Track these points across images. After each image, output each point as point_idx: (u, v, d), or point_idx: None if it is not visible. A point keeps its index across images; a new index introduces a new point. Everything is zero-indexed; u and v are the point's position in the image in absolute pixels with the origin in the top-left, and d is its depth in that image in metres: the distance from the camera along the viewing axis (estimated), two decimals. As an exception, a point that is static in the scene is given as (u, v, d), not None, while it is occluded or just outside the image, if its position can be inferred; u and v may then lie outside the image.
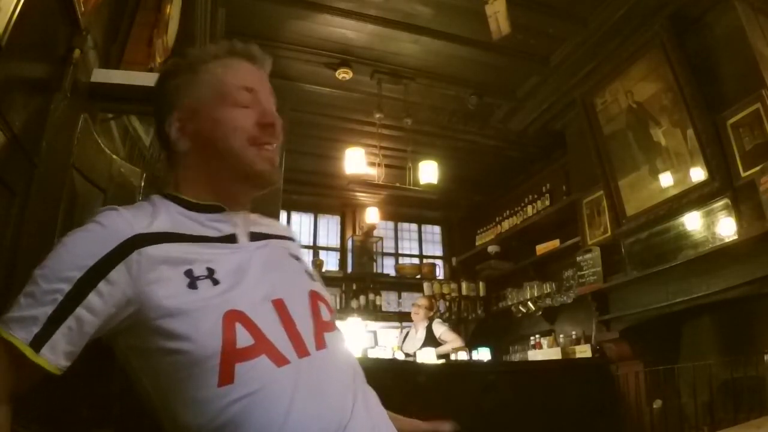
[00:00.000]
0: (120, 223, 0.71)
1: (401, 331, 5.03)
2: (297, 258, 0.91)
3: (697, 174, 3.03)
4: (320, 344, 0.75)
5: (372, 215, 5.71)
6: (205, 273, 0.72)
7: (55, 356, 0.65)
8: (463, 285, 5.72)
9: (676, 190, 3.17)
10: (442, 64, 3.92)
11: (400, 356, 4.06)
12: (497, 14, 2.84)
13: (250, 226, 0.85)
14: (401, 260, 6.29)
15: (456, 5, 3.29)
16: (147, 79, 2.04)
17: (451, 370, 3.42)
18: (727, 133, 2.91)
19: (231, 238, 0.80)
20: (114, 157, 1.80)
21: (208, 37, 3.33)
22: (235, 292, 0.72)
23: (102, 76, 1.80)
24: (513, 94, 4.31)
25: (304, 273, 0.88)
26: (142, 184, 2.08)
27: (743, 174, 2.80)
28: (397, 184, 4.50)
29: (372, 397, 0.80)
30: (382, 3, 3.34)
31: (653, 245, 3.32)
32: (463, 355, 4.15)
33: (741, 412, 2.65)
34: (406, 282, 5.91)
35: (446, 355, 4.14)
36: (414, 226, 6.62)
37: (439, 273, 6.22)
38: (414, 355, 3.97)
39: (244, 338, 0.68)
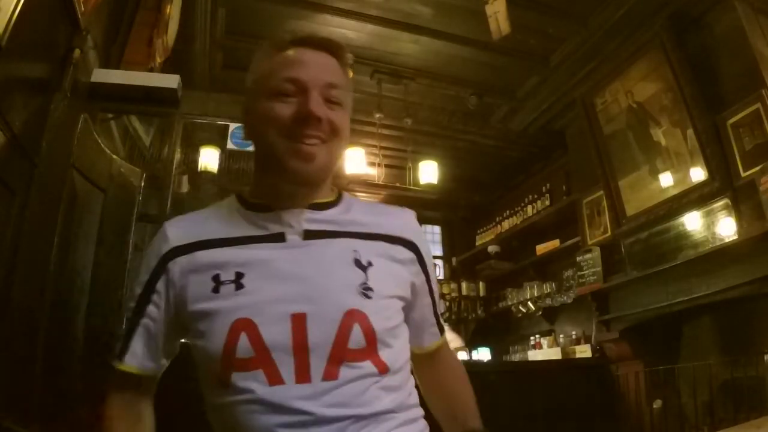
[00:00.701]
0: (160, 240, 0.80)
1: None
2: (362, 265, 0.77)
3: (697, 174, 3.03)
4: (330, 375, 0.68)
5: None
6: (232, 277, 0.73)
7: (137, 360, 0.77)
8: (463, 285, 5.71)
9: (676, 190, 3.17)
10: (442, 64, 3.92)
11: None
12: (497, 14, 2.84)
13: (310, 223, 0.78)
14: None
15: (456, 5, 3.29)
16: (147, 79, 2.05)
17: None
18: (727, 133, 2.91)
19: (279, 237, 0.77)
20: (114, 157, 1.81)
21: (208, 37, 3.33)
22: (254, 299, 0.71)
23: (102, 76, 1.80)
24: (513, 94, 4.31)
25: (356, 287, 0.74)
26: (142, 184, 2.09)
27: (743, 174, 2.80)
28: (397, 184, 4.50)
29: None
30: (382, 3, 3.34)
31: (653, 245, 3.32)
32: (463, 355, 4.15)
33: (741, 412, 2.65)
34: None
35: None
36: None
37: (439, 273, 6.22)
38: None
39: (244, 349, 0.69)
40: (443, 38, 3.61)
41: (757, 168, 2.69)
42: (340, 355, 0.69)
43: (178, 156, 2.34)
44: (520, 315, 5.11)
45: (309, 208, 0.79)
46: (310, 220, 0.79)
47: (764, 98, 2.70)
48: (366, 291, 0.75)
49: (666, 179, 3.26)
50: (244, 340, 0.69)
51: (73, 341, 1.55)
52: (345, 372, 0.69)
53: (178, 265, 0.76)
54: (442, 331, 0.93)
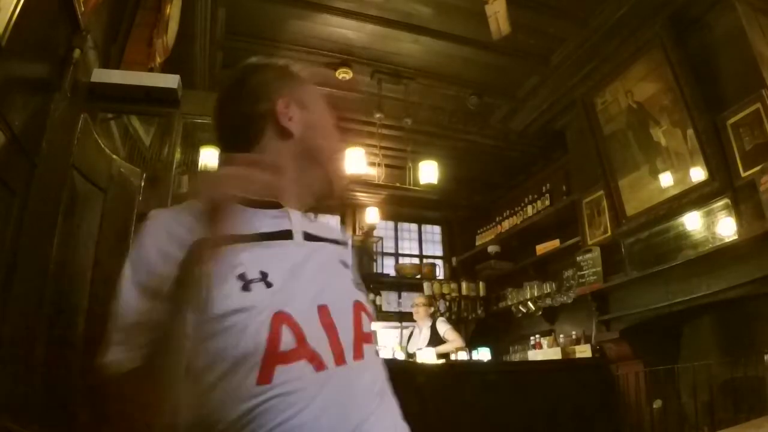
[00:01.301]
0: (168, 227, 0.80)
1: (401, 332, 5.03)
2: (345, 265, 0.89)
3: (697, 174, 3.03)
4: (358, 354, 0.76)
5: (372, 215, 5.71)
6: (259, 276, 0.74)
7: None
8: (463, 285, 5.71)
9: (676, 190, 3.17)
10: (442, 64, 3.92)
11: (428, 353, 4.08)
12: (497, 14, 2.84)
13: (305, 226, 0.86)
14: (401, 260, 6.29)
15: (456, 5, 3.29)
16: (147, 79, 2.05)
17: (451, 370, 3.41)
18: (727, 133, 2.91)
19: (287, 234, 0.82)
20: (114, 157, 1.81)
21: (208, 37, 3.33)
22: (286, 293, 0.74)
23: (102, 76, 1.80)
24: (513, 94, 4.31)
25: (351, 281, 0.87)
26: (142, 184, 2.08)
27: (743, 174, 2.80)
28: (397, 184, 4.51)
29: (392, 405, 0.81)
30: (382, 3, 3.34)
31: (653, 245, 3.32)
32: (463, 355, 4.15)
33: (741, 412, 2.65)
34: (406, 282, 5.91)
35: (446, 355, 4.15)
36: (414, 226, 6.61)
37: (439, 273, 6.22)
38: (449, 353, 4.05)
39: (288, 341, 0.71)
40: (443, 38, 3.61)
41: (757, 168, 2.69)
42: (360, 337, 0.78)
43: (178, 156, 2.33)
44: (520, 315, 5.11)
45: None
46: (305, 224, 0.86)
47: (764, 98, 2.70)
48: (358, 285, 0.87)
49: (666, 179, 3.26)
50: (287, 332, 0.71)
51: (73, 341, 1.55)
52: (367, 351, 0.78)
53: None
54: None
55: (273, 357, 0.69)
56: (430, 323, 4.42)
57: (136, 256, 0.77)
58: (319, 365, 0.71)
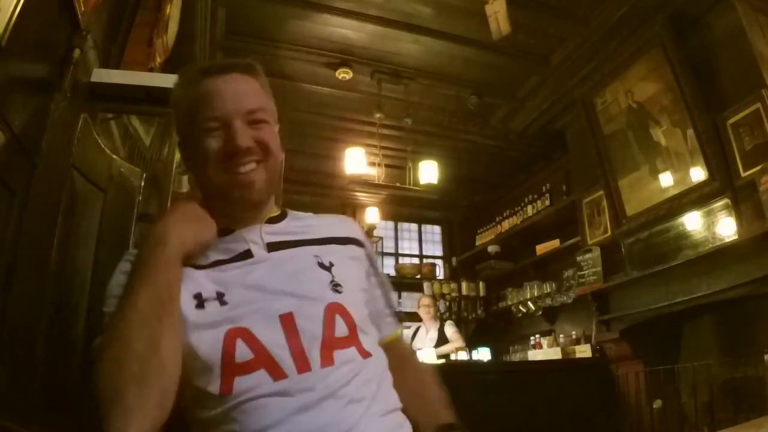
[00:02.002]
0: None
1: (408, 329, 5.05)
2: (325, 266, 0.84)
3: (697, 174, 3.03)
4: (326, 361, 0.74)
5: (372, 215, 5.71)
6: (214, 296, 0.76)
7: None
8: (463, 285, 5.72)
9: (676, 190, 3.17)
10: (442, 64, 3.92)
11: (428, 353, 4.10)
12: (497, 14, 2.84)
13: (269, 236, 0.85)
14: (401, 260, 6.29)
15: (456, 5, 3.29)
16: (147, 79, 2.04)
17: (451, 370, 3.41)
18: (727, 133, 2.91)
19: (246, 254, 0.82)
20: (114, 157, 1.81)
21: (208, 37, 3.33)
22: (242, 310, 0.75)
23: (102, 76, 1.80)
24: (513, 94, 4.31)
25: (327, 285, 0.82)
26: (142, 184, 2.08)
27: (743, 174, 2.80)
28: (397, 184, 4.50)
29: (383, 407, 0.77)
30: (382, 3, 3.34)
31: (653, 245, 3.32)
32: (463, 355, 4.16)
33: (741, 412, 2.65)
34: (406, 282, 5.91)
35: (446, 355, 4.15)
36: (414, 226, 6.61)
37: (439, 273, 6.22)
38: (450, 353, 4.10)
39: (243, 353, 0.72)
40: (443, 38, 3.61)
41: (757, 168, 2.69)
42: (330, 343, 0.75)
43: (178, 156, 2.33)
44: (520, 315, 5.11)
45: (265, 222, 0.87)
46: (268, 233, 0.85)
47: (764, 98, 2.70)
48: (336, 287, 0.82)
49: (666, 179, 3.26)
50: (241, 345, 0.72)
51: (73, 341, 1.55)
52: (339, 356, 0.75)
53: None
54: (397, 322, 0.98)
55: (230, 368, 0.71)
56: (437, 325, 4.47)
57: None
58: (278, 374, 0.71)
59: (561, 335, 4.43)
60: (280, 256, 0.83)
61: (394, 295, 1.03)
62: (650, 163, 3.37)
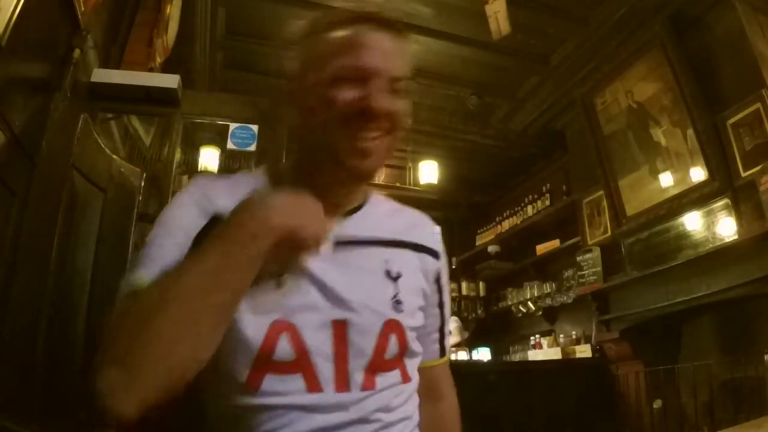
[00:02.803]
0: (203, 194, 0.72)
1: None
2: (393, 276, 0.75)
3: (697, 174, 3.03)
4: (368, 384, 0.68)
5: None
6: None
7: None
8: (463, 285, 5.71)
9: (676, 190, 3.17)
10: (442, 64, 3.91)
11: None
12: (497, 14, 2.83)
13: (341, 229, 0.73)
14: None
15: (456, 5, 3.29)
16: (147, 79, 2.05)
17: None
18: (727, 133, 2.90)
19: None
20: (114, 157, 1.81)
21: (208, 37, 3.33)
22: (294, 302, 0.67)
23: (102, 76, 1.80)
24: (513, 94, 4.31)
25: (390, 299, 0.73)
26: (142, 184, 2.09)
27: (743, 174, 2.80)
28: (397, 184, 4.50)
29: None
30: (382, 3, 3.33)
31: (653, 245, 3.31)
32: (463, 355, 4.16)
33: (741, 412, 2.65)
34: (405, 282, 5.90)
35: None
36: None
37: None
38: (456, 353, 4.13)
39: (283, 352, 0.65)
40: (443, 38, 3.61)
41: (757, 168, 2.68)
42: (378, 364, 0.69)
43: (178, 156, 2.34)
44: (520, 315, 5.11)
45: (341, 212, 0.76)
46: (341, 225, 0.74)
47: (764, 98, 2.70)
48: (397, 304, 0.74)
49: (666, 179, 3.26)
50: (284, 342, 0.65)
51: (73, 341, 1.55)
52: (380, 381, 0.69)
53: None
54: (443, 352, 0.88)
55: (265, 363, 0.65)
56: None
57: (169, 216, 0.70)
58: (313, 386, 0.65)
59: (561, 335, 4.43)
60: (347, 255, 0.73)
61: (450, 322, 0.92)
62: (650, 163, 3.37)
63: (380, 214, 0.81)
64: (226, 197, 0.69)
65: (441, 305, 0.85)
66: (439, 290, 0.84)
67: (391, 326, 0.71)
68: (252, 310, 0.65)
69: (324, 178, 0.72)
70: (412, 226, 0.85)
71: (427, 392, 0.81)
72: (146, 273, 0.64)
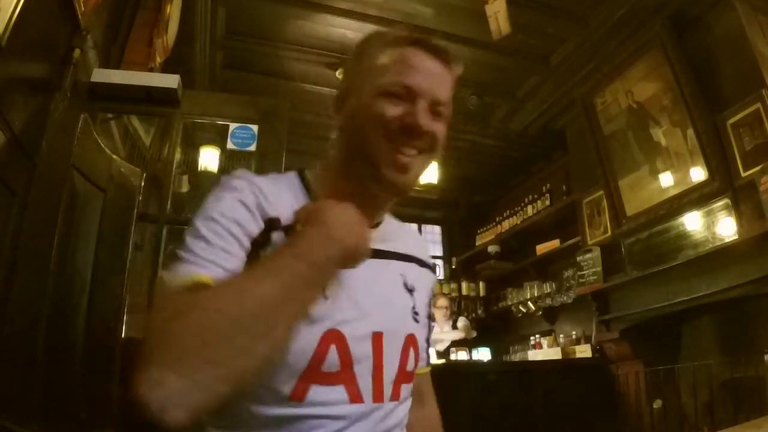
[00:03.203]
0: (255, 191, 0.70)
1: None
2: (409, 289, 0.79)
3: (697, 174, 3.03)
4: (396, 395, 0.71)
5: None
6: None
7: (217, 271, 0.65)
8: (463, 285, 5.72)
9: (676, 190, 3.17)
10: (442, 64, 3.91)
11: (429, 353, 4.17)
12: (497, 14, 2.84)
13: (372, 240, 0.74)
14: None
15: (456, 5, 3.29)
16: (147, 79, 2.05)
17: (451, 370, 3.41)
18: (727, 133, 2.90)
19: None
20: (114, 157, 1.81)
21: (208, 37, 3.33)
22: (341, 312, 0.68)
23: (102, 76, 1.80)
24: (513, 94, 4.31)
25: (410, 311, 0.77)
26: (142, 184, 2.09)
27: (743, 174, 2.80)
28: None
29: None
30: (382, 3, 3.34)
31: (653, 245, 3.31)
32: (463, 355, 4.17)
33: (741, 412, 2.65)
34: (405, 282, 5.91)
35: (446, 355, 4.17)
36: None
37: (439, 273, 6.22)
38: (455, 352, 4.19)
39: (332, 362, 0.66)
40: (443, 38, 3.59)
41: (757, 168, 2.68)
42: (402, 376, 0.72)
43: (178, 156, 2.34)
44: (520, 315, 5.11)
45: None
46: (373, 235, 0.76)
47: (764, 98, 2.70)
48: (415, 316, 0.78)
49: (666, 179, 3.26)
50: (333, 353, 0.66)
51: (73, 341, 1.55)
52: (403, 392, 0.73)
53: (279, 241, 0.67)
54: (428, 360, 0.90)
55: (312, 374, 0.65)
56: (451, 322, 4.53)
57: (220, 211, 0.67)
58: (355, 397, 0.67)
59: (561, 335, 4.43)
60: (374, 265, 0.73)
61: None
62: (650, 163, 3.37)
63: (394, 229, 0.85)
64: (275, 200, 0.70)
65: (430, 316, 0.89)
66: (431, 303, 0.88)
67: (411, 340, 0.75)
68: (305, 321, 0.64)
69: (361, 189, 0.74)
70: (416, 242, 0.89)
71: (415, 398, 0.83)
72: (204, 271, 0.61)
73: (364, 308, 0.70)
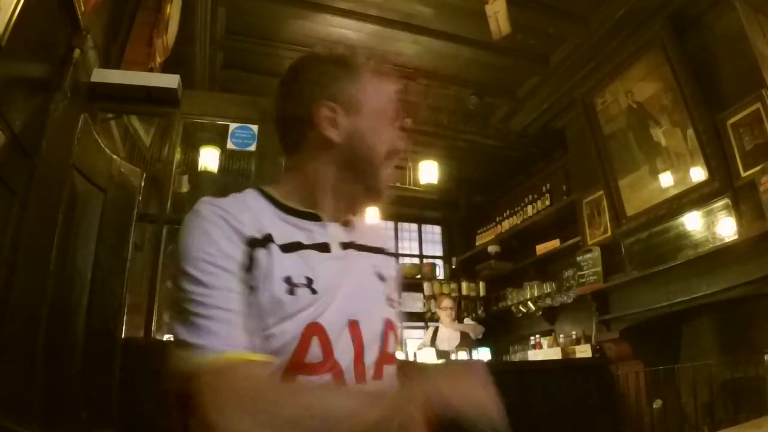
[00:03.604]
0: (231, 217, 0.74)
1: (423, 330, 5.23)
2: (382, 278, 0.86)
3: (697, 174, 3.03)
4: (378, 375, 0.76)
5: (372, 215, 5.71)
6: (304, 281, 0.72)
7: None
8: (463, 285, 5.72)
9: (676, 190, 3.17)
10: (442, 64, 3.92)
11: (428, 353, 4.15)
12: (497, 14, 2.84)
13: (343, 235, 0.82)
14: (401, 260, 6.29)
15: (456, 5, 3.29)
16: (147, 79, 2.05)
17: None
18: (727, 133, 2.90)
19: (325, 247, 0.79)
20: (114, 157, 1.81)
21: (208, 37, 3.33)
22: (325, 305, 0.73)
23: (102, 76, 1.80)
24: (513, 94, 4.31)
25: (384, 297, 0.84)
26: (142, 184, 2.09)
27: (743, 174, 2.79)
28: (397, 184, 4.50)
29: None
30: (382, 3, 3.34)
31: (653, 245, 3.31)
32: (463, 355, 4.17)
33: (741, 413, 2.65)
34: (406, 282, 5.90)
35: (446, 355, 4.18)
36: (414, 226, 6.61)
37: (439, 273, 6.22)
38: (450, 352, 4.16)
39: (315, 354, 0.70)
40: (443, 38, 3.61)
41: (757, 168, 2.68)
42: (384, 358, 0.78)
43: (178, 156, 2.34)
44: (520, 315, 5.11)
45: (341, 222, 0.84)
46: (342, 233, 0.83)
47: (764, 98, 2.70)
48: (390, 302, 0.84)
49: (666, 179, 3.26)
50: (315, 345, 0.70)
51: (73, 341, 1.55)
52: (386, 371, 0.78)
53: (261, 257, 0.71)
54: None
55: (297, 366, 0.69)
56: (457, 324, 4.54)
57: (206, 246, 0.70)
58: (341, 382, 0.71)
59: (561, 335, 4.43)
60: (350, 258, 0.81)
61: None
62: (650, 163, 3.37)
63: (363, 224, 0.91)
64: (247, 219, 0.74)
65: (398, 302, 0.95)
66: (397, 288, 0.94)
67: (389, 325, 0.81)
68: (289, 319, 0.70)
69: (353, 195, 0.83)
70: (381, 235, 0.98)
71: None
72: (230, 342, 0.64)
73: (341, 299, 0.75)
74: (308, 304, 0.71)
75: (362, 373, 0.73)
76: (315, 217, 0.80)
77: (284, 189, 0.82)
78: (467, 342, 4.34)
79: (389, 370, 0.79)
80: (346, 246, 0.81)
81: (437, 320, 4.88)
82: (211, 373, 0.61)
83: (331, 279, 0.75)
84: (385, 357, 0.78)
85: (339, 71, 0.83)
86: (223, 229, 0.71)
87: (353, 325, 0.74)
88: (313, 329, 0.70)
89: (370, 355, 0.75)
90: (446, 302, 4.68)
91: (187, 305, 0.66)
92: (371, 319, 0.78)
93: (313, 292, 0.72)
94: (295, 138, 0.84)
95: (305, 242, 0.77)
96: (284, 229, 0.76)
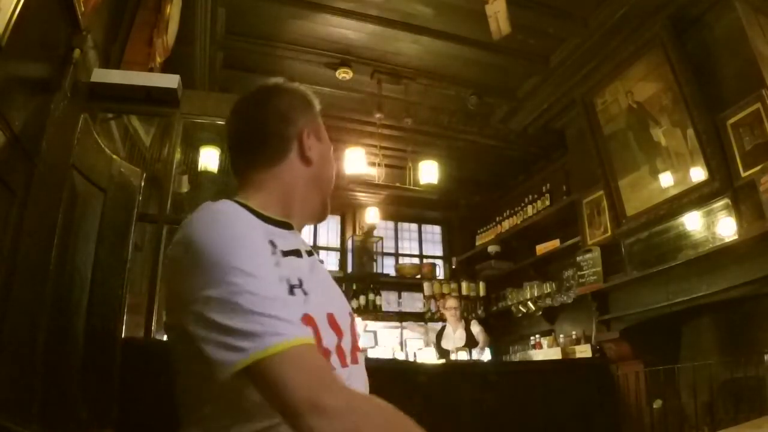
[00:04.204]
0: (253, 221, 0.83)
1: (422, 332, 5.37)
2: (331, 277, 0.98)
3: (697, 174, 3.03)
4: (354, 359, 0.86)
5: (372, 215, 5.71)
6: (297, 283, 0.81)
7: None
8: (463, 285, 5.72)
9: (676, 190, 3.17)
10: (442, 64, 3.92)
11: (428, 353, 4.16)
12: (497, 14, 2.84)
13: (304, 243, 0.94)
14: (401, 260, 6.29)
15: (456, 5, 3.29)
16: (147, 79, 2.05)
17: (451, 370, 3.41)
18: (727, 133, 2.90)
19: (298, 253, 0.88)
20: (114, 157, 1.81)
21: (208, 37, 3.33)
22: (313, 303, 0.81)
23: (102, 76, 1.80)
24: (513, 94, 4.31)
25: (342, 294, 0.97)
26: (142, 184, 2.09)
27: (743, 174, 2.80)
28: (397, 184, 4.51)
29: None
30: (382, 3, 3.34)
31: (653, 245, 3.32)
32: (463, 355, 4.17)
33: (741, 412, 2.65)
34: (406, 282, 5.91)
35: (446, 355, 4.18)
36: (414, 226, 6.62)
37: (439, 273, 6.22)
38: (455, 352, 4.21)
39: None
40: (443, 38, 3.61)
41: (757, 168, 2.69)
42: (355, 344, 0.89)
43: (178, 156, 2.34)
44: (520, 315, 5.11)
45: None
46: (303, 241, 0.95)
47: (764, 98, 2.70)
48: (345, 296, 1.00)
49: (666, 179, 3.26)
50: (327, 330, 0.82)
51: (73, 341, 1.55)
52: (360, 358, 0.89)
53: (277, 257, 0.80)
54: None
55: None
56: (463, 324, 4.53)
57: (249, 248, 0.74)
58: (344, 363, 0.82)
59: (561, 335, 4.43)
60: (314, 262, 0.92)
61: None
62: (650, 163, 3.37)
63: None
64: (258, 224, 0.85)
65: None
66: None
67: (352, 316, 0.93)
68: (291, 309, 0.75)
69: (309, 214, 0.96)
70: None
71: None
72: (299, 331, 0.69)
73: (319, 297, 0.84)
74: (303, 303, 0.79)
75: (344, 358, 0.83)
76: (288, 226, 0.90)
77: (258, 201, 0.88)
78: (471, 344, 4.34)
79: (361, 357, 0.90)
80: (309, 252, 0.92)
81: (439, 320, 4.89)
82: (297, 356, 0.65)
83: (313, 281, 0.84)
84: (356, 344, 0.89)
85: (307, 105, 0.98)
86: (256, 228, 0.81)
87: (330, 317, 0.84)
88: (307, 321, 0.77)
89: (346, 344, 0.85)
90: (451, 302, 4.68)
91: (241, 297, 0.67)
92: (341, 311, 0.88)
93: (305, 292, 0.80)
94: (275, 153, 0.91)
95: (288, 249, 0.85)
96: (272, 236, 0.84)
